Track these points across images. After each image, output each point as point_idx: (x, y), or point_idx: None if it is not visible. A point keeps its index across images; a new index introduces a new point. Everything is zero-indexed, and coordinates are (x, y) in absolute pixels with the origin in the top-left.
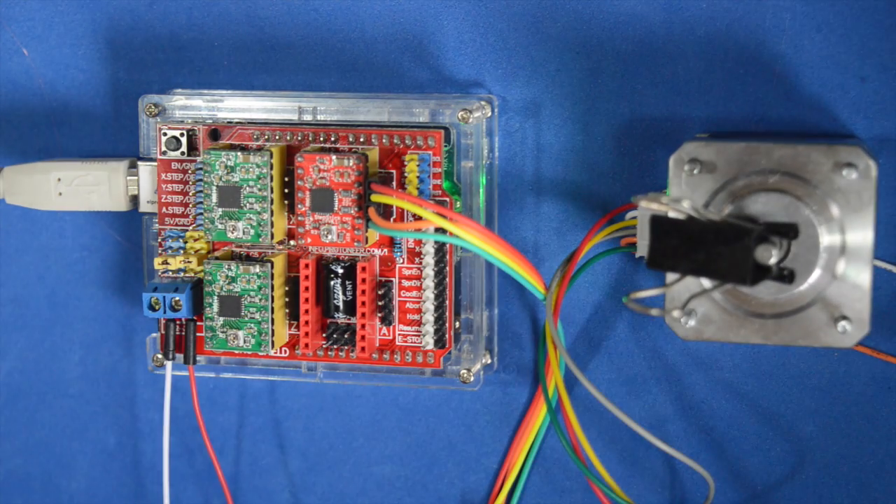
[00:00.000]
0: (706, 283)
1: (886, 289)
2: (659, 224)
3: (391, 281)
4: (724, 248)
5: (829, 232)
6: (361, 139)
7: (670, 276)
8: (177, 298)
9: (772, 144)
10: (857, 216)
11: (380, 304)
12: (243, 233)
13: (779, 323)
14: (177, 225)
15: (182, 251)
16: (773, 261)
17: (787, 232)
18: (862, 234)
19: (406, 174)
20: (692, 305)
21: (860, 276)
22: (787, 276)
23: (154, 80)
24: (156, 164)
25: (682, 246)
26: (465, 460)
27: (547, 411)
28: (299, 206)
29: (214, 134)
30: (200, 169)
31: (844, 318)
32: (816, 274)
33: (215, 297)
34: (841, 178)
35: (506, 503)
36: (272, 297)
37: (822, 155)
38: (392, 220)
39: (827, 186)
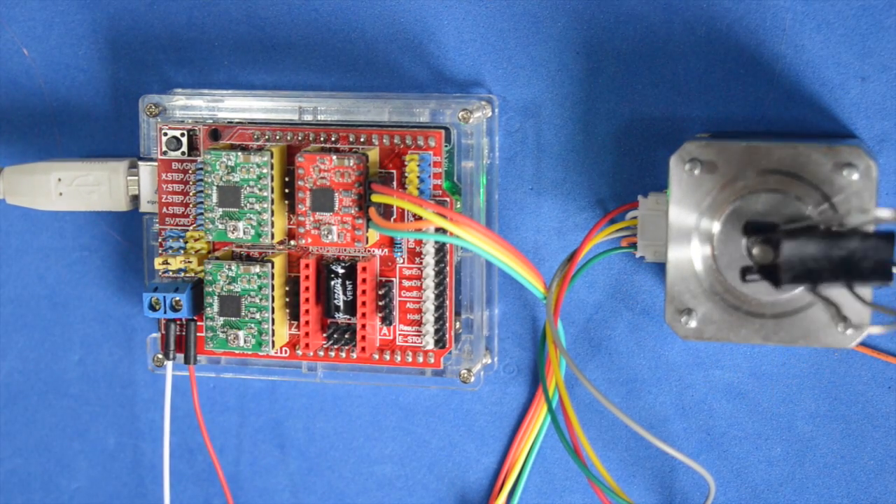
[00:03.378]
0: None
1: (886, 289)
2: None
3: (391, 281)
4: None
5: None
6: (362, 139)
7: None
8: (177, 298)
9: (772, 144)
10: (857, 216)
11: (380, 304)
12: (243, 233)
13: (779, 323)
14: (177, 225)
15: (182, 251)
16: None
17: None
18: None
19: (406, 174)
20: (691, 305)
21: None
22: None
23: (154, 80)
24: (156, 164)
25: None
26: (465, 460)
27: (547, 411)
28: (300, 206)
29: (215, 134)
30: (201, 169)
31: (844, 318)
32: None
33: (216, 297)
34: (841, 179)
35: (506, 503)
36: (272, 297)
37: (822, 155)
38: (392, 220)
39: (827, 187)
